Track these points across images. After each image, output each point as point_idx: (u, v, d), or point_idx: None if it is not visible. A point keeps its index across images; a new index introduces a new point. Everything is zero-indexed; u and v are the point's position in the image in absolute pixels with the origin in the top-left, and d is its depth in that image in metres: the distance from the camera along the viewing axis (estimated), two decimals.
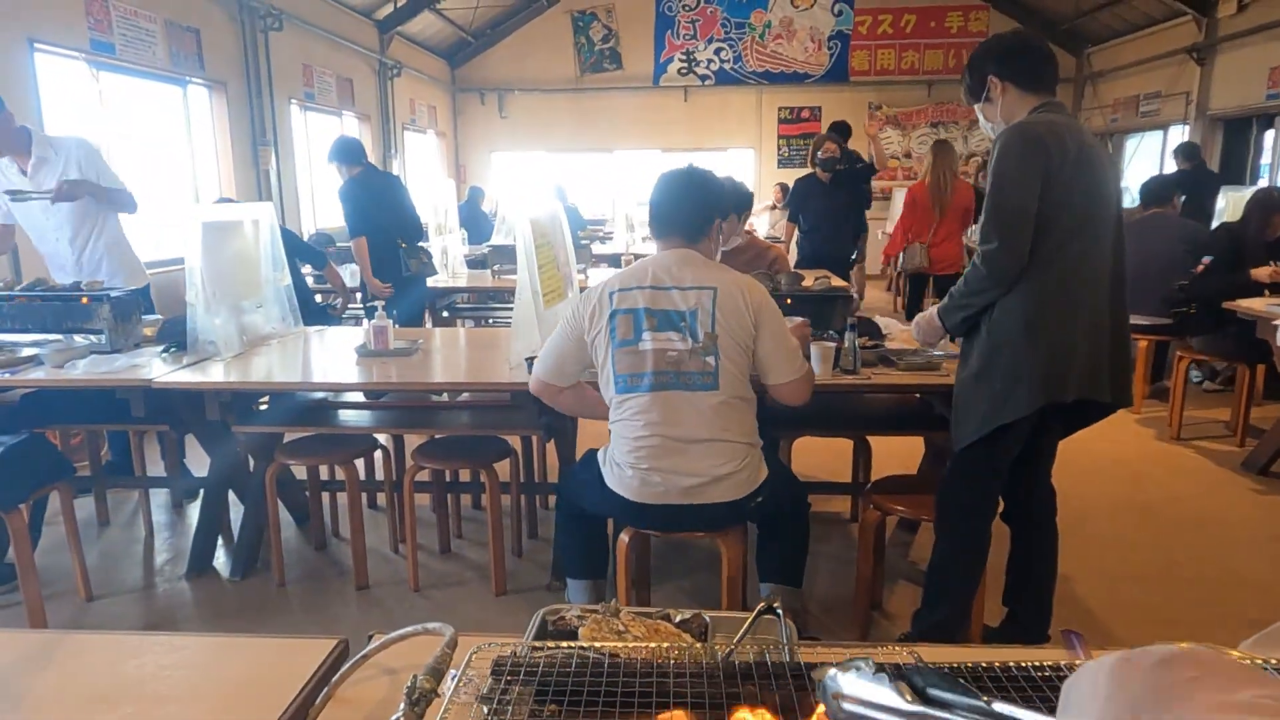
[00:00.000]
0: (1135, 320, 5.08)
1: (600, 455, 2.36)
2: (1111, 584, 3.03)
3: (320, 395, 3.29)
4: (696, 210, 2.27)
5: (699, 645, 0.83)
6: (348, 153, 5.01)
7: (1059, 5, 10.91)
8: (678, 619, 1.11)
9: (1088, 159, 2.02)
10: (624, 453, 2.24)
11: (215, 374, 2.86)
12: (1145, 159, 10.76)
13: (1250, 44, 8.26)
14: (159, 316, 3.62)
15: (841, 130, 5.97)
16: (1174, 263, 4.88)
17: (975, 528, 2.25)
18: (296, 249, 4.98)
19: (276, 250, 3.48)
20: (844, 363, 2.72)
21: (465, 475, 3.38)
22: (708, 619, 1.12)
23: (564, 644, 0.77)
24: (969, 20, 11.74)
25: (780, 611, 1.13)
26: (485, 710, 0.67)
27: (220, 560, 3.28)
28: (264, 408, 3.18)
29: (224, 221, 3.21)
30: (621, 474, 2.24)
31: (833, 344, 2.70)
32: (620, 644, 0.88)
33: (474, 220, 8.45)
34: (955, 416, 2.22)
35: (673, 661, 0.75)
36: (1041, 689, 0.77)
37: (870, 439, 3.41)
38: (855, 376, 2.69)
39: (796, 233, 5.68)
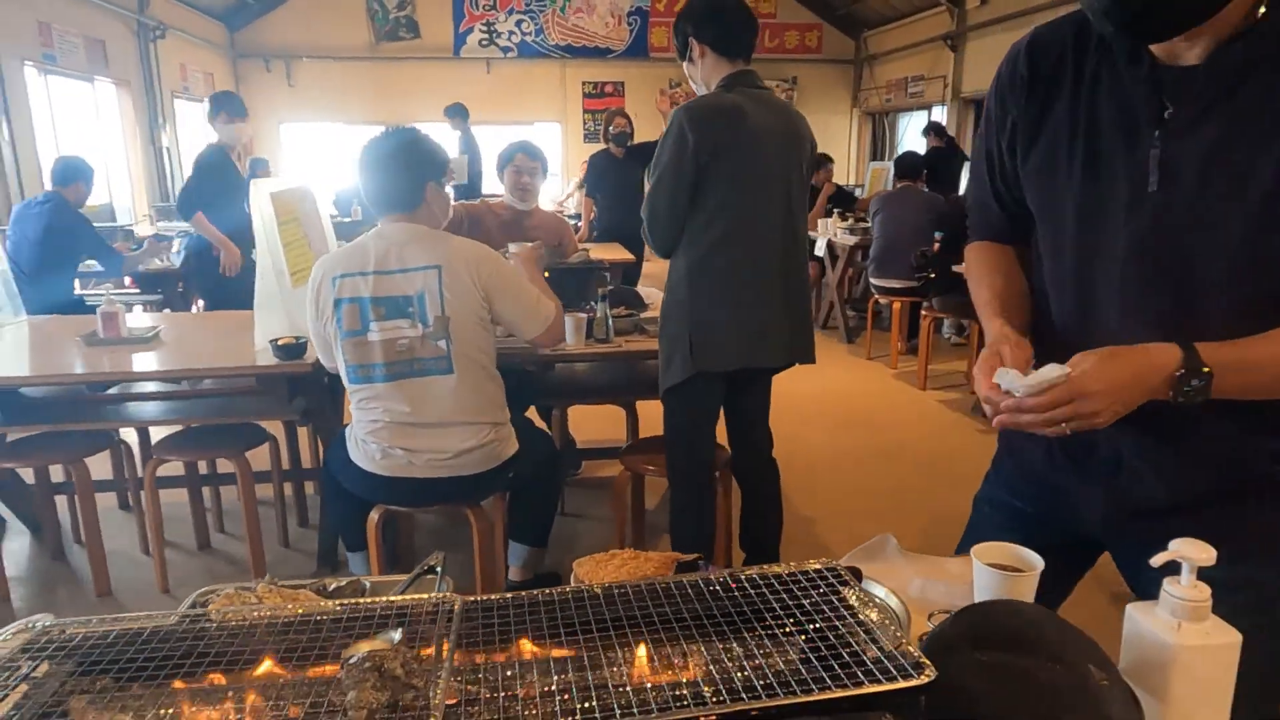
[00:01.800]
0: (889, 283, 5.62)
1: (347, 432, 2.32)
2: (850, 522, 3.37)
3: (40, 391, 2.99)
4: (406, 177, 2.15)
5: (298, 604, 0.85)
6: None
7: None
8: (332, 587, 1.13)
9: (751, 136, 2.18)
10: (364, 432, 2.22)
11: None
12: (915, 135, 11.77)
13: (993, 33, 9.20)
14: None
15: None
16: (920, 232, 5.42)
17: (690, 478, 2.42)
18: (85, 240, 4.49)
19: None
20: (597, 331, 2.82)
21: (226, 467, 3.21)
22: (366, 584, 1.15)
23: (120, 616, 0.77)
24: (759, 1, 12.26)
25: (440, 570, 1.18)
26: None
27: None
28: None
29: None
30: (366, 448, 2.23)
31: (585, 314, 2.79)
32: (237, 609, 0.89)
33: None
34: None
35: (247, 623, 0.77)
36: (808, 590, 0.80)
37: (639, 404, 3.56)
38: (607, 345, 2.80)
39: (594, 207, 5.77)
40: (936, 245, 5.14)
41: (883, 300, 5.83)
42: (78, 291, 4.73)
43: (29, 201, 4.53)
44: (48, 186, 4.52)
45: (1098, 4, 0.89)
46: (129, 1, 8.57)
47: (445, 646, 0.69)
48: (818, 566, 0.86)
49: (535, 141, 3.51)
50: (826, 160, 7.19)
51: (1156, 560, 0.83)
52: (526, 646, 0.74)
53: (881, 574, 1.17)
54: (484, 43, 11.89)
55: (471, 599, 0.79)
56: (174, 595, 2.83)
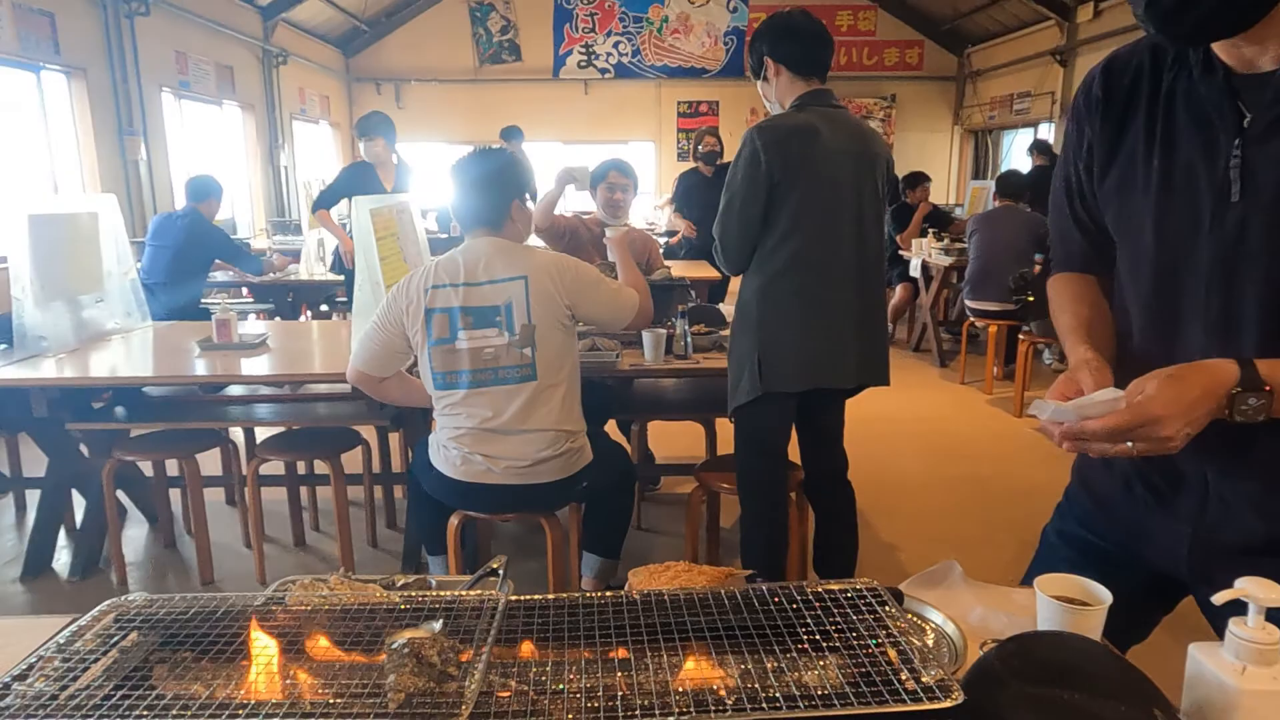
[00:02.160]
0: (985, 306, 5.44)
1: (430, 438, 2.42)
2: (932, 549, 3.26)
3: (160, 391, 3.23)
4: (494, 197, 2.26)
5: (368, 596, 0.90)
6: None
7: (939, 7, 11.41)
8: (400, 583, 1.19)
9: (823, 156, 2.17)
10: (447, 438, 2.31)
11: (46, 370, 2.79)
12: (1021, 153, 11.37)
13: (1106, 47, 8.80)
14: None
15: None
16: (1019, 253, 5.23)
17: (760, 497, 2.41)
18: (223, 249, 4.98)
19: (120, 243, 3.40)
20: (676, 348, 2.85)
21: (322, 468, 3.39)
22: (432, 582, 1.21)
23: (197, 596, 0.84)
24: (858, 19, 12.14)
25: (502, 572, 1.22)
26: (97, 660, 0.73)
27: (63, 561, 3.20)
28: (104, 404, 3.11)
29: (55, 214, 3.12)
30: (447, 454, 2.31)
31: (664, 330, 2.82)
32: (308, 596, 0.95)
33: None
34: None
35: (315, 608, 0.83)
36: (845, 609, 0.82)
37: (718, 421, 3.56)
38: (686, 361, 2.82)
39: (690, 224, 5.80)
40: (1037, 267, 4.94)
41: (979, 323, 5.65)
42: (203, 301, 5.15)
43: (169, 215, 4.96)
44: (180, 202, 4.95)
45: (1138, 7, 0.91)
46: (256, 30, 9.21)
47: (486, 641, 0.73)
48: (858, 586, 0.86)
49: (628, 159, 3.59)
50: (923, 179, 7.02)
51: (1219, 598, 0.79)
52: (563, 646, 0.77)
53: (943, 600, 1.15)
54: (582, 64, 12.19)
55: (516, 598, 0.83)
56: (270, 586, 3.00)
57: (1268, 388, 0.87)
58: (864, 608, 0.81)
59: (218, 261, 5.11)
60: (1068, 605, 1.02)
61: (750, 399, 2.26)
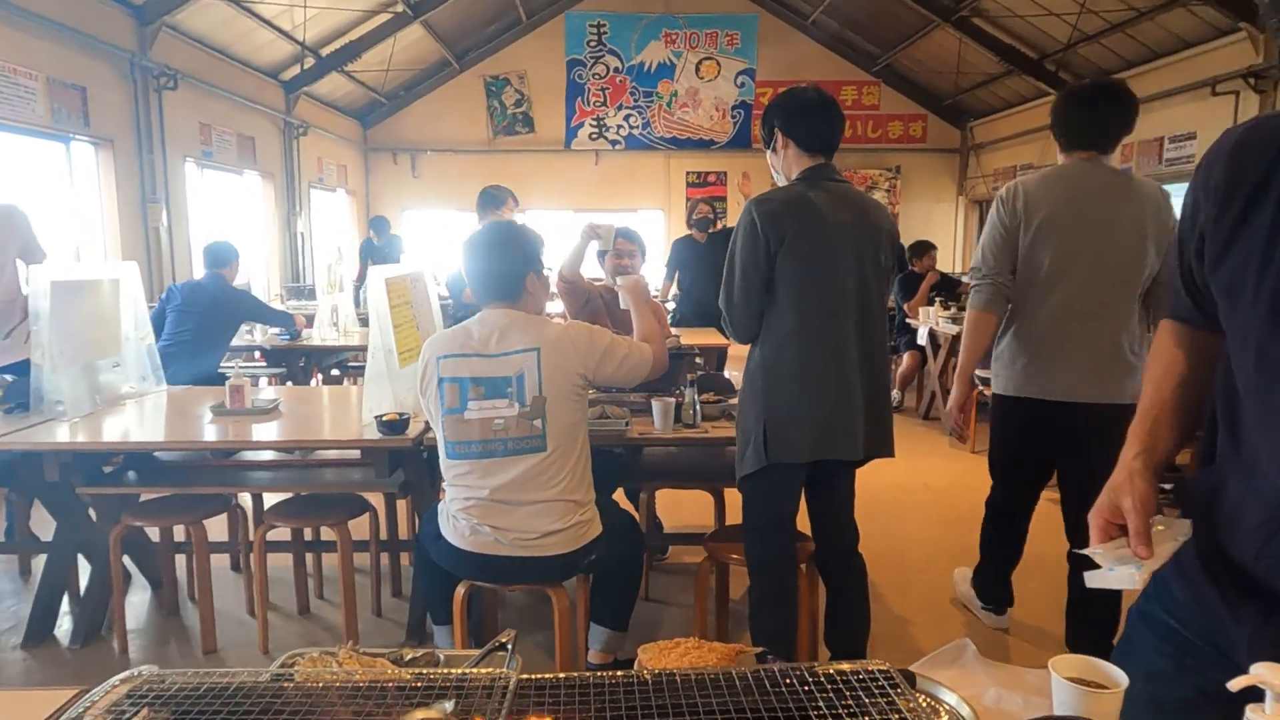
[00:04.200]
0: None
1: (439, 507, 2.42)
2: (945, 625, 3.20)
3: (171, 456, 3.25)
4: (510, 269, 2.31)
5: (380, 672, 0.90)
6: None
7: (941, 83, 11.73)
8: (408, 657, 1.18)
9: (822, 228, 2.21)
10: (456, 509, 2.31)
11: (60, 434, 2.82)
12: None
13: None
14: (10, 377, 3.54)
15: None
16: None
17: (768, 571, 2.38)
18: (253, 310, 5.09)
19: (139, 309, 3.47)
20: (685, 417, 2.86)
21: (329, 534, 3.37)
22: (440, 657, 1.20)
23: (212, 670, 0.84)
24: (862, 94, 12.48)
25: (510, 647, 1.22)
26: None
27: (65, 628, 3.17)
28: (115, 468, 3.13)
29: (77, 280, 3.19)
30: (456, 524, 2.31)
31: (673, 399, 2.83)
32: (316, 672, 0.95)
33: (380, 257, 8.58)
34: None
35: (321, 685, 0.82)
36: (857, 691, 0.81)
37: (727, 490, 3.54)
38: (695, 430, 2.83)
39: (676, 289, 5.91)
40: None
41: (988, 392, 5.63)
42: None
43: (194, 282, 4.99)
44: (196, 268, 5.05)
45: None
46: (278, 103, 9.52)
47: None
48: (870, 668, 0.85)
49: (635, 227, 3.67)
50: (929, 247, 7.11)
51: (1236, 684, 0.78)
52: None
53: (957, 681, 1.13)
54: (594, 136, 12.51)
55: (527, 677, 0.83)
56: (273, 656, 2.93)
57: None
58: (876, 691, 0.80)
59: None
60: (1083, 688, 1.01)
61: (756, 469, 2.26)
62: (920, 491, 4.85)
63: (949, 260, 12.00)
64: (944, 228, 12.61)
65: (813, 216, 2.20)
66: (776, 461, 2.23)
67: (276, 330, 5.55)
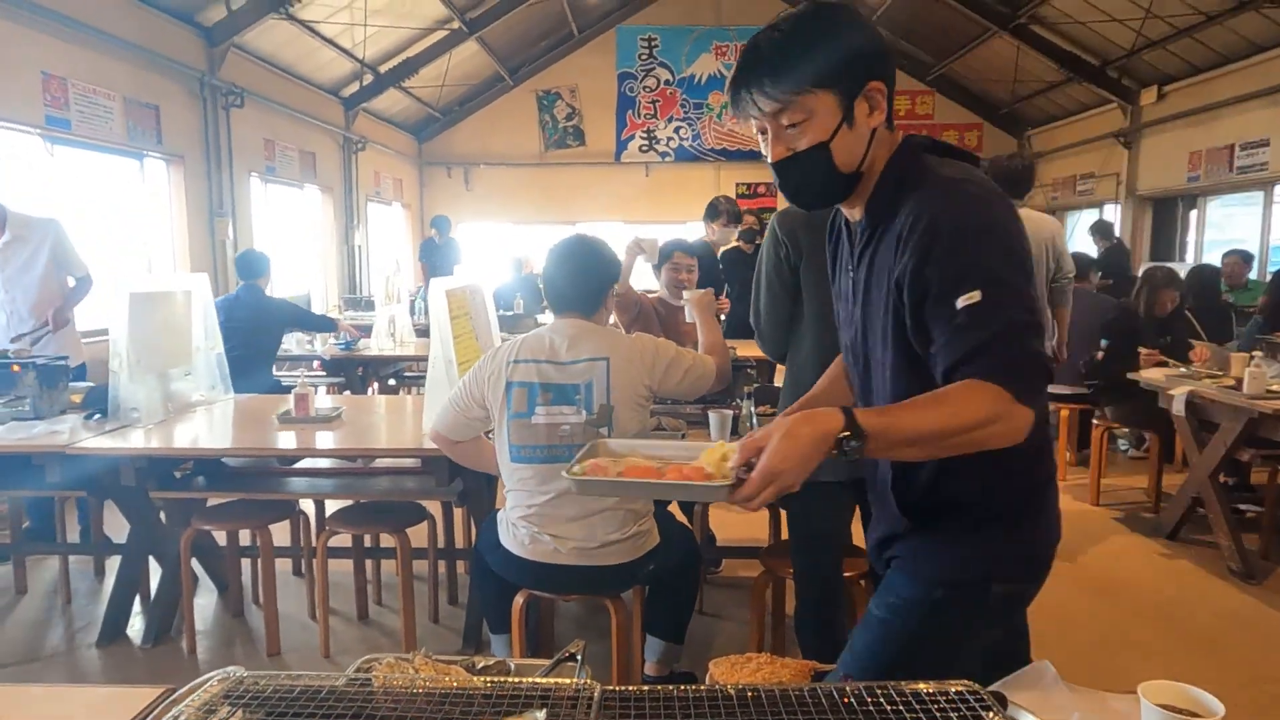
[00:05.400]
0: (1056, 389, 5.31)
1: (499, 515, 2.44)
2: None
3: (238, 462, 3.34)
4: (593, 284, 2.36)
5: (447, 678, 0.91)
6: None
7: (998, 91, 11.52)
8: (480, 665, 1.19)
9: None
10: (517, 516, 2.33)
11: (135, 440, 2.92)
12: (1084, 233, 11.23)
13: (1170, 130, 8.77)
14: (92, 384, 3.68)
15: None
16: (1088, 336, 5.11)
17: (813, 588, 2.35)
18: (295, 320, 5.24)
19: (209, 319, 3.58)
20: (742, 429, 2.83)
21: (388, 541, 3.43)
22: (511, 665, 1.21)
23: (301, 673, 0.86)
24: (915, 104, 12.33)
25: (580, 658, 1.22)
26: None
27: (137, 627, 3.27)
28: (185, 474, 3.22)
29: (152, 292, 3.31)
30: (515, 532, 2.33)
31: (731, 411, 2.82)
32: (391, 676, 0.96)
33: (441, 256, 8.75)
34: None
35: (406, 690, 0.84)
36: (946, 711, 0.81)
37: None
38: None
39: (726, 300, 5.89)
40: (1100, 353, 4.82)
41: (1048, 407, 5.49)
42: (275, 373, 5.35)
43: (230, 297, 5.00)
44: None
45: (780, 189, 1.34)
46: (338, 120, 9.77)
47: None
48: (959, 688, 0.83)
49: (686, 238, 3.67)
50: None
51: None
52: None
53: (1039, 704, 1.10)
54: (644, 148, 12.57)
55: (610, 689, 0.83)
56: (334, 660, 3.01)
57: (864, 435, 1.12)
58: (967, 711, 0.79)
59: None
60: (1176, 716, 0.97)
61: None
62: None
63: None
64: None
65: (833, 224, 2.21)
66: (815, 480, 2.17)
67: (335, 340, 5.67)
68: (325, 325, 5.57)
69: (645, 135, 12.56)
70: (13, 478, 3.11)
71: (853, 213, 1.37)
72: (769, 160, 1.31)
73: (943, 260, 1.19)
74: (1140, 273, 5.17)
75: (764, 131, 1.30)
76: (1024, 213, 4.01)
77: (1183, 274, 5.18)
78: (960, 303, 1.17)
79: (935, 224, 1.20)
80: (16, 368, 3.18)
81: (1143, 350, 4.48)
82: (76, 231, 5.13)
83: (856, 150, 1.28)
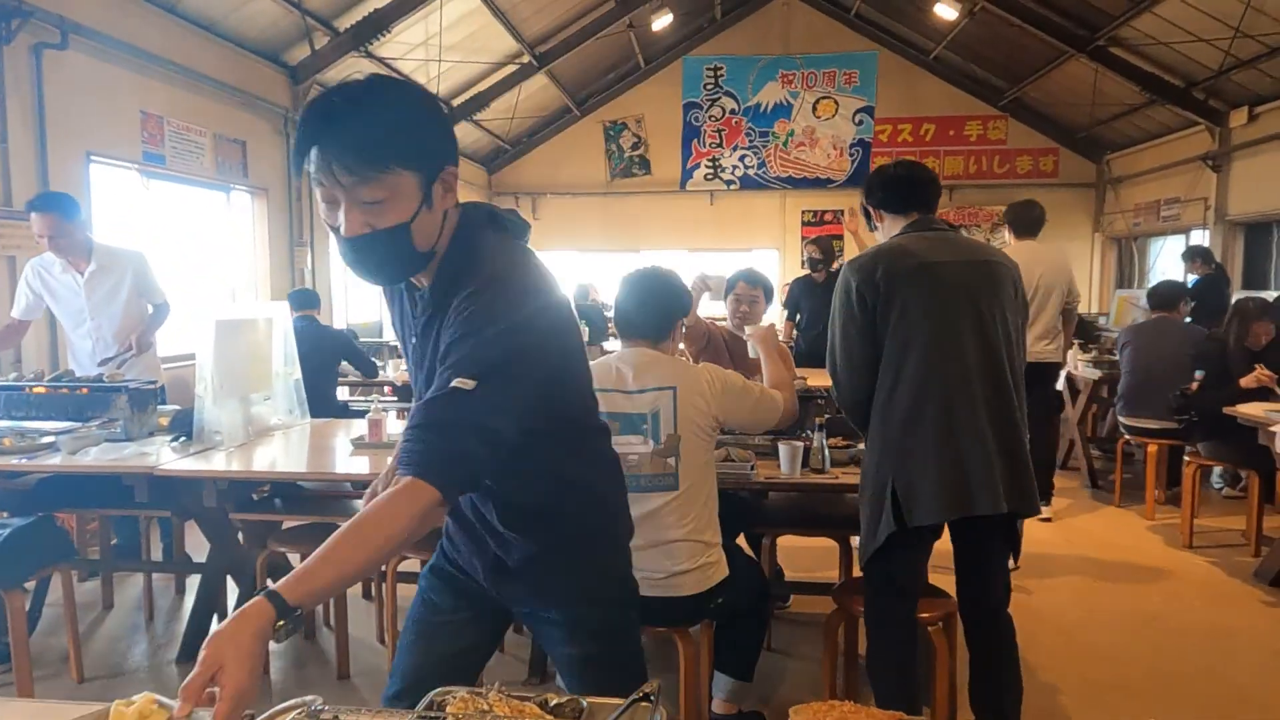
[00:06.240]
0: (1142, 423, 5.07)
1: None
2: (1101, 694, 2.95)
3: (314, 485, 3.41)
4: (662, 314, 2.37)
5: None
6: None
7: (1075, 115, 11.20)
8: (553, 703, 1.17)
9: (920, 269, 2.15)
10: None
11: (217, 463, 3.01)
12: (1170, 261, 10.77)
13: (1263, 152, 8.38)
14: (177, 407, 3.83)
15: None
16: (1179, 367, 4.86)
17: (889, 635, 2.26)
18: (348, 352, 5.40)
19: (289, 346, 3.69)
20: (813, 462, 2.77)
21: None
22: (584, 704, 1.18)
23: (376, 710, 0.85)
24: (988, 129, 12.09)
25: (655, 698, 1.19)
26: None
27: None
28: (262, 496, 3.31)
29: (237, 319, 3.43)
30: None
31: (801, 443, 2.76)
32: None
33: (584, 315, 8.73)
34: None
35: None
36: None
37: (854, 538, 3.41)
38: (823, 475, 2.74)
39: (795, 330, 5.84)
40: (1195, 384, 4.58)
41: (1134, 441, 5.25)
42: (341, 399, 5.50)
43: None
44: (338, 308, 5.33)
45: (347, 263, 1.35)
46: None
47: None
48: None
49: (758, 269, 3.63)
50: None
51: None
52: None
53: None
54: (709, 176, 12.60)
55: None
56: None
57: (298, 611, 1.12)
58: None
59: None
60: None
61: (885, 537, 2.14)
62: (1060, 546, 4.54)
63: (1085, 300, 11.35)
64: (1079, 266, 11.91)
65: (907, 259, 2.17)
66: (912, 524, 2.10)
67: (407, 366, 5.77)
68: (370, 370, 5.61)
69: (710, 164, 12.59)
70: (104, 497, 3.25)
71: (419, 280, 1.43)
72: (342, 234, 1.27)
73: (468, 343, 1.27)
74: (1232, 303, 4.91)
75: (333, 202, 1.26)
76: (1042, 247, 4.86)
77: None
78: (454, 383, 1.25)
79: (474, 315, 1.29)
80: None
81: (1259, 368, 4.23)
82: (164, 260, 5.39)
83: (432, 231, 1.33)
